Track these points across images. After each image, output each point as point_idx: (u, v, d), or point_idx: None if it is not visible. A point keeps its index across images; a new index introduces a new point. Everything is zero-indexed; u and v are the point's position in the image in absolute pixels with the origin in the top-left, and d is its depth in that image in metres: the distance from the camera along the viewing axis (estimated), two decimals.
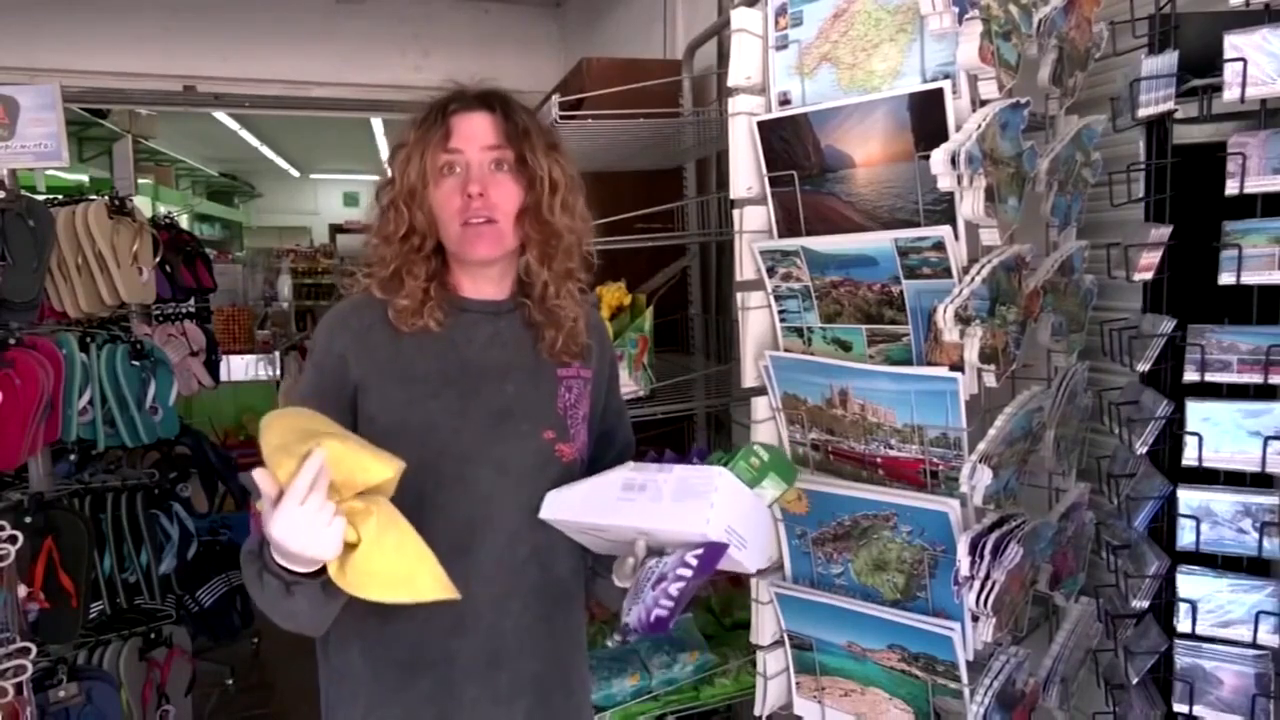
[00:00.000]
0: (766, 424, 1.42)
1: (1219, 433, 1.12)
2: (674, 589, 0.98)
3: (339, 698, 1.22)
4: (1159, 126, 1.26)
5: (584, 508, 1.15)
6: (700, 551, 1.00)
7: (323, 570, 0.97)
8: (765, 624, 1.44)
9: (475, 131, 1.17)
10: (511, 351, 1.23)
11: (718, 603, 2.41)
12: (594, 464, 1.28)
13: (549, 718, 1.26)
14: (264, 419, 0.97)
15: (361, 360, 1.17)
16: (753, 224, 1.38)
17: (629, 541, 1.10)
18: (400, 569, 0.98)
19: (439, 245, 1.20)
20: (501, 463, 1.19)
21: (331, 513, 0.93)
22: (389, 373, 1.17)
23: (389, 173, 1.20)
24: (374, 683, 1.19)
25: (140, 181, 7.68)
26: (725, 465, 1.09)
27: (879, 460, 1.28)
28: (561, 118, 2.00)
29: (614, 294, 2.18)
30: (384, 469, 0.98)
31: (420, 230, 1.17)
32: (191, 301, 3.40)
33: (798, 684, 1.44)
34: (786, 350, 1.38)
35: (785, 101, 1.33)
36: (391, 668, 1.17)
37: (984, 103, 1.14)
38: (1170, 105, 1.19)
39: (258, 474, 0.93)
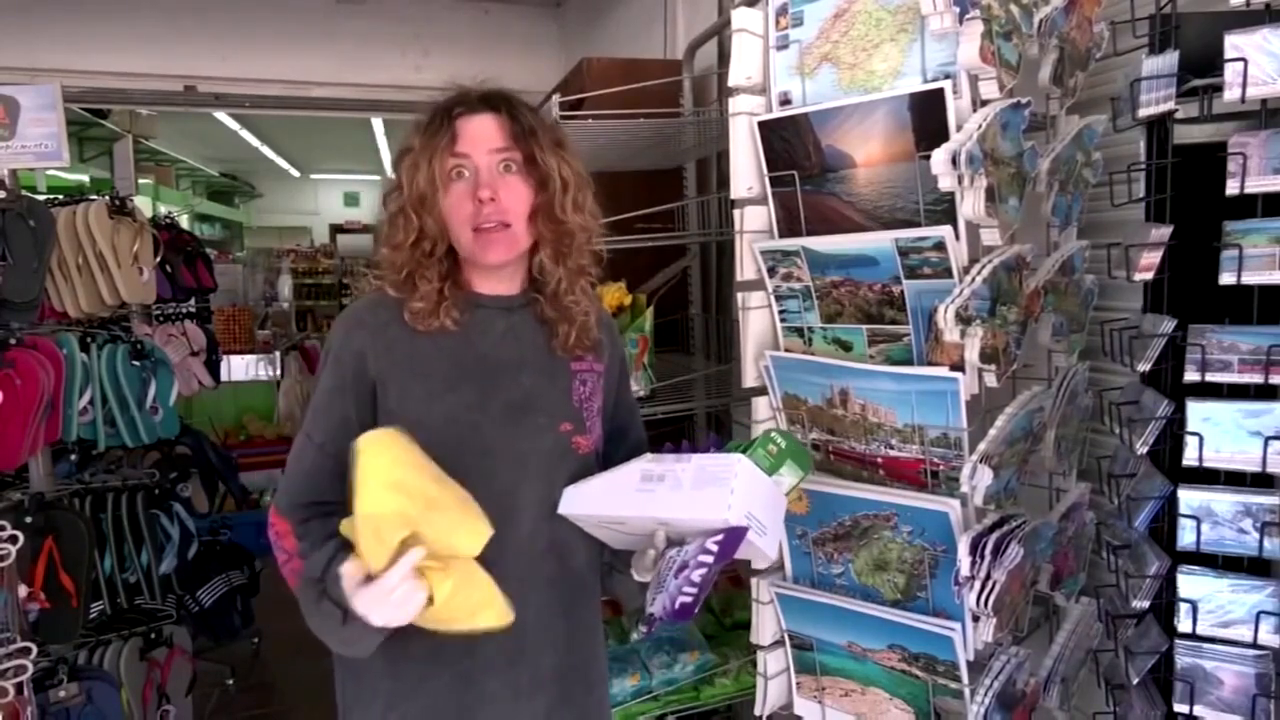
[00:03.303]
0: (767, 424, 1.42)
1: (1219, 433, 1.12)
2: (696, 575, 0.99)
3: (356, 696, 1.22)
4: (1159, 126, 1.26)
5: (603, 501, 1.15)
6: (721, 537, 1.01)
7: None
8: (765, 624, 1.44)
9: (481, 134, 1.16)
10: (526, 346, 1.24)
11: (718, 603, 2.41)
12: (607, 461, 1.28)
13: (570, 712, 1.26)
14: (362, 452, 0.95)
15: (380, 357, 1.18)
16: (753, 224, 1.38)
17: (648, 534, 1.11)
18: (466, 613, 1.03)
19: (449, 246, 1.20)
20: (520, 455, 1.19)
21: (415, 590, 0.98)
22: (407, 369, 1.18)
23: (395, 178, 1.20)
24: (393, 679, 1.19)
25: (140, 181, 7.67)
26: (744, 453, 1.10)
27: (879, 460, 1.28)
28: (562, 118, 2.00)
29: (614, 294, 2.18)
30: (472, 542, 0.99)
31: (431, 236, 1.17)
32: (192, 301, 3.40)
33: (798, 684, 1.44)
34: (787, 350, 1.38)
35: (786, 101, 1.33)
36: (411, 663, 1.17)
37: (985, 103, 1.14)
38: (1171, 105, 1.19)
39: (349, 566, 0.98)
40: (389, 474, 0.95)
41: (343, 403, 1.18)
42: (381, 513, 0.94)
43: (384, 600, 0.97)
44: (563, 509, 1.18)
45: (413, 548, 0.95)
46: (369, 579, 0.97)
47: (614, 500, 1.14)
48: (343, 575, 0.99)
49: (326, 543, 1.07)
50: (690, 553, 1.03)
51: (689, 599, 0.99)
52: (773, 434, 1.16)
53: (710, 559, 1.00)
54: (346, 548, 1.01)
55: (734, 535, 1.01)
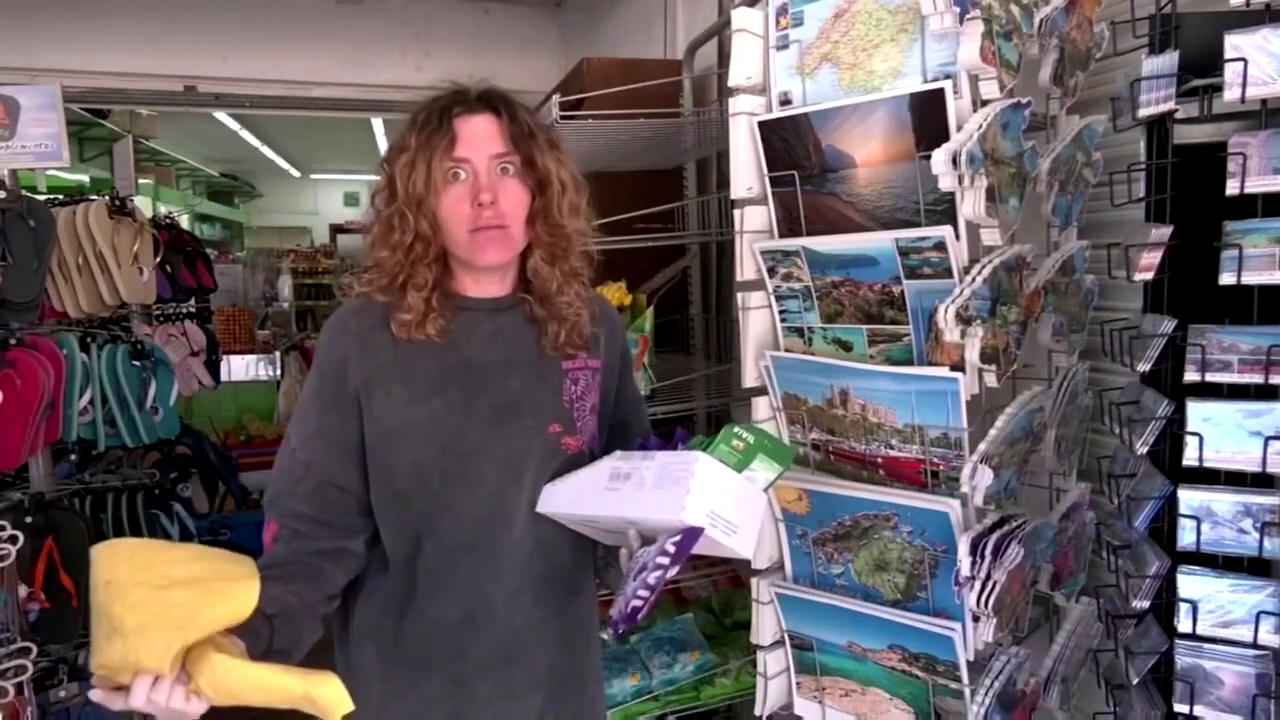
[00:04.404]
0: (767, 424, 1.42)
1: (1219, 433, 1.12)
2: (651, 578, 0.96)
3: (352, 697, 1.23)
4: (1160, 126, 1.26)
5: (576, 500, 1.15)
6: (678, 538, 0.98)
7: None
8: (766, 624, 1.44)
9: (481, 136, 1.15)
10: (514, 347, 1.23)
11: (718, 603, 2.41)
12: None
13: (564, 711, 1.26)
14: (97, 572, 0.88)
15: (363, 364, 1.17)
16: (753, 224, 1.38)
17: (623, 531, 1.09)
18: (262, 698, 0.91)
19: (441, 249, 1.20)
20: (507, 458, 1.19)
21: (179, 697, 0.86)
22: (391, 374, 1.17)
23: (388, 176, 1.18)
24: (386, 681, 1.19)
25: (141, 181, 7.66)
26: (705, 450, 1.07)
27: (880, 460, 1.28)
28: (562, 118, 2.00)
29: (614, 294, 2.18)
30: (151, 657, 0.85)
31: (424, 237, 1.16)
32: (192, 302, 3.40)
33: (798, 684, 1.44)
34: (787, 350, 1.38)
35: (786, 101, 1.33)
36: (403, 666, 1.18)
37: (985, 103, 1.14)
38: (1171, 105, 1.19)
39: (96, 695, 0.88)
40: (92, 600, 0.88)
41: (319, 411, 1.18)
42: (100, 632, 0.87)
43: (156, 710, 0.87)
44: (541, 507, 1.18)
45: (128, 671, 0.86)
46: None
47: (585, 499, 1.13)
48: (97, 697, 0.89)
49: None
50: (650, 554, 1.00)
51: (640, 602, 0.96)
52: (737, 429, 1.11)
53: (666, 560, 0.97)
54: None
55: (689, 535, 0.98)
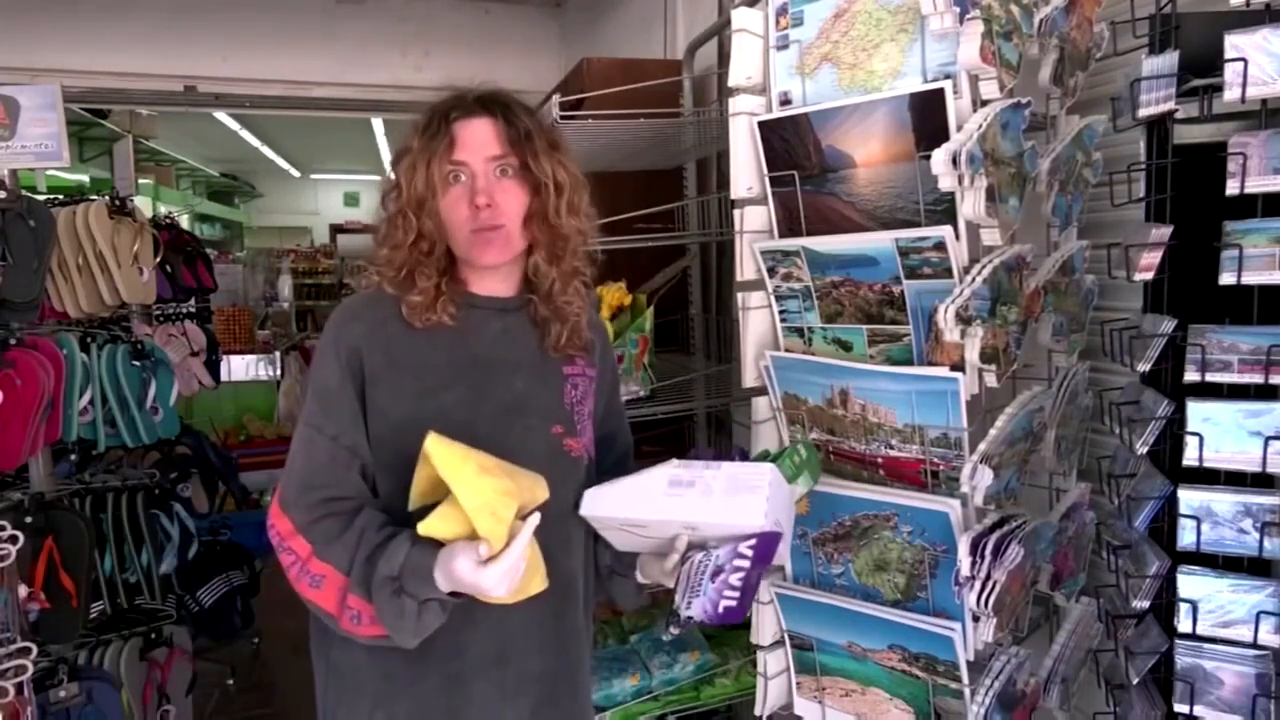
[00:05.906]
0: (767, 424, 1.42)
1: (1219, 433, 1.12)
2: (735, 579, 1.07)
3: (340, 696, 1.22)
4: (1160, 126, 1.26)
5: (627, 504, 1.17)
6: (753, 542, 1.07)
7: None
8: (766, 624, 1.44)
9: (479, 140, 1.17)
10: (520, 348, 1.24)
11: None
12: (595, 466, 1.29)
13: (555, 715, 1.26)
14: (435, 453, 1.00)
15: (374, 353, 1.18)
16: (753, 224, 1.38)
17: (668, 538, 1.14)
18: (525, 578, 1.07)
19: (446, 247, 1.21)
20: (511, 457, 1.18)
21: (527, 553, 1.03)
22: (402, 366, 1.18)
23: (393, 178, 1.20)
24: (382, 679, 1.19)
25: (141, 181, 7.66)
26: (774, 462, 1.14)
27: (880, 460, 1.28)
28: (562, 118, 2.00)
29: (614, 294, 2.18)
30: (543, 494, 1.07)
31: (429, 236, 1.18)
32: (192, 302, 3.39)
33: (798, 684, 1.44)
34: (787, 350, 1.39)
35: (786, 101, 1.33)
36: (399, 663, 1.17)
37: (985, 103, 1.14)
38: (1171, 105, 1.19)
39: (467, 554, 1.01)
40: (469, 462, 1.01)
41: (350, 397, 1.18)
42: (492, 496, 1.01)
43: (515, 570, 1.02)
44: (584, 510, 1.19)
45: (525, 516, 1.03)
46: (488, 559, 1.02)
47: (639, 503, 1.15)
48: (462, 564, 1.01)
49: (381, 542, 1.08)
50: (723, 558, 1.08)
51: (732, 602, 1.07)
52: (799, 446, 1.21)
53: (746, 563, 1.06)
54: (419, 542, 1.05)
55: (766, 540, 1.06)
